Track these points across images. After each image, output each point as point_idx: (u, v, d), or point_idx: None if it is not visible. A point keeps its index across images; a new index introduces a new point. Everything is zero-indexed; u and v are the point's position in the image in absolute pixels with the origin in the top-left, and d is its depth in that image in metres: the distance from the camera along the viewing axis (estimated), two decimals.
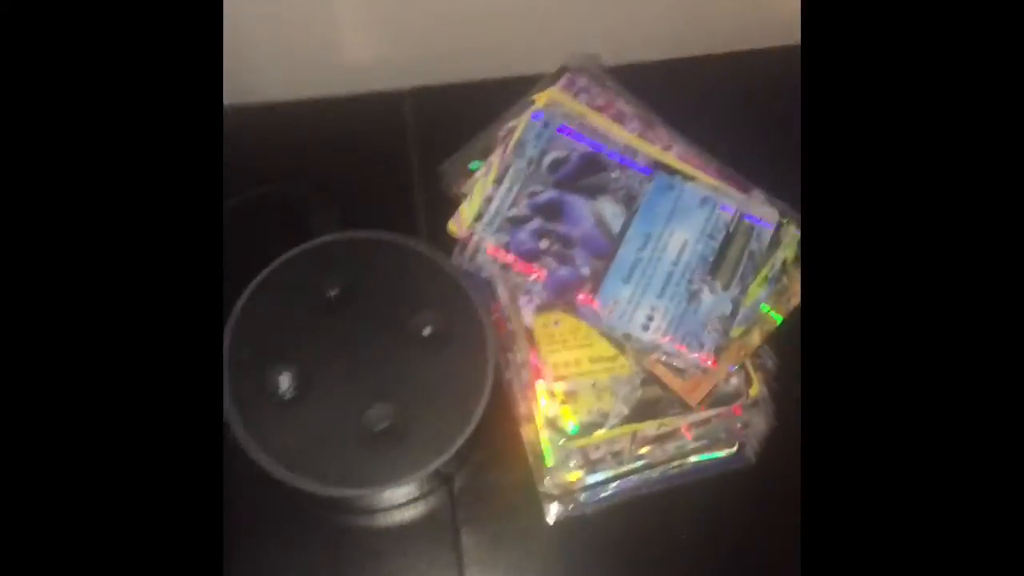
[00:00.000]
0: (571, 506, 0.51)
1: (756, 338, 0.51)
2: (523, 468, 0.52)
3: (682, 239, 0.52)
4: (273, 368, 0.48)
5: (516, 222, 0.52)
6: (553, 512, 0.51)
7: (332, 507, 0.52)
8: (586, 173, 0.53)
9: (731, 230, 0.52)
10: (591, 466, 0.50)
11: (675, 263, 0.51)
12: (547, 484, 0.50)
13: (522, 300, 0.52)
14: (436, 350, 0.49)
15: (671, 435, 0.50)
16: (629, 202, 0.53)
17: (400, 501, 0.52)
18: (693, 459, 0.51)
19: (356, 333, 0.50)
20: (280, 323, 0.50)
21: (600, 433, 0.50)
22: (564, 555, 0.52)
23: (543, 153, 0.53)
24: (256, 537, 0.51)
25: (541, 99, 0.55)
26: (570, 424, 0.50)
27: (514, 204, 0.53)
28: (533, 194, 0.53)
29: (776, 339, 0.52)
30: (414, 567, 0.51)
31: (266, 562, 0.51)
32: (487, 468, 0.53)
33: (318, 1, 0.59)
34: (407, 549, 0.52)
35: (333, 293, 0.50)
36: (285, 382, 0.48)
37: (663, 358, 0.50)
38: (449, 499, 0.53)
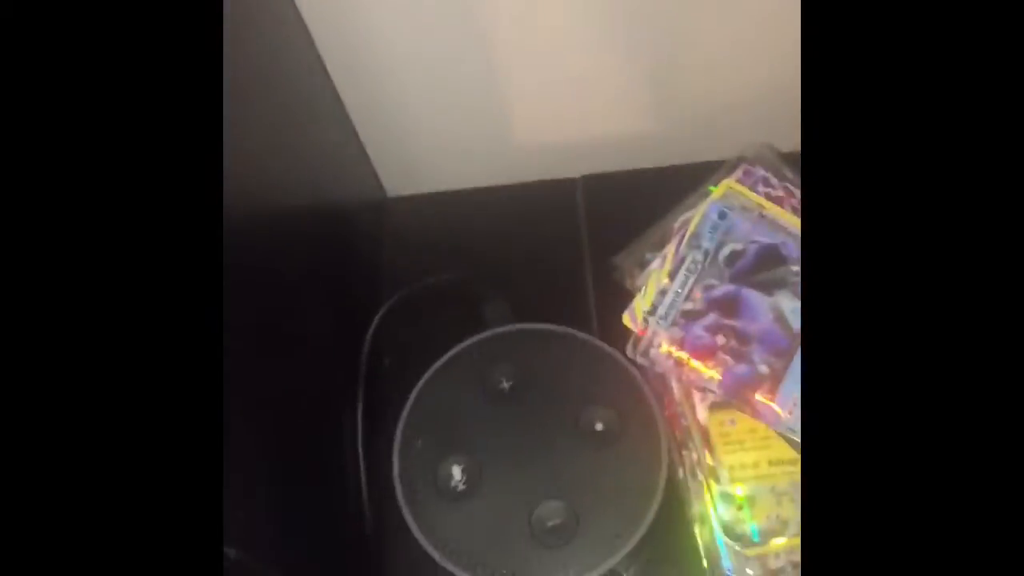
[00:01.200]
0: None
1: None
2: (696, 571, 0.50)
3: None
4: (445, 460, 0.49)
5: (691, 316, 0.51)
6: None
7: None
8: (764, 267, 0.52)
9: None
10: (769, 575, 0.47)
11: None
12: None
13: (696, 397, 0.51)
14: (608, 446, 0.49)
15: None
16: None
17: None
18: None
19: (528, 427, 0.50)
20: (453, 414, 0.50)
21: (780, 542, 0.47)
22: None
23: (720, 245, 0.52)
24: None
25: (718, 190, 0.54)
26: (749, 530, 0.48)
27: (689, 298, 0.52)
28: (709, 288, 0.52)
29: None
30: None
31: None
32: (658, 568, 0.51)
33: (489, 89, 0.60)
34: None
35: (505, 385, 0.51)
36: (457, 474, 0.49)
37: None
38: None
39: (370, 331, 0.57)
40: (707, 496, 0.49)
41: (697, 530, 0.50)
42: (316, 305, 0.53)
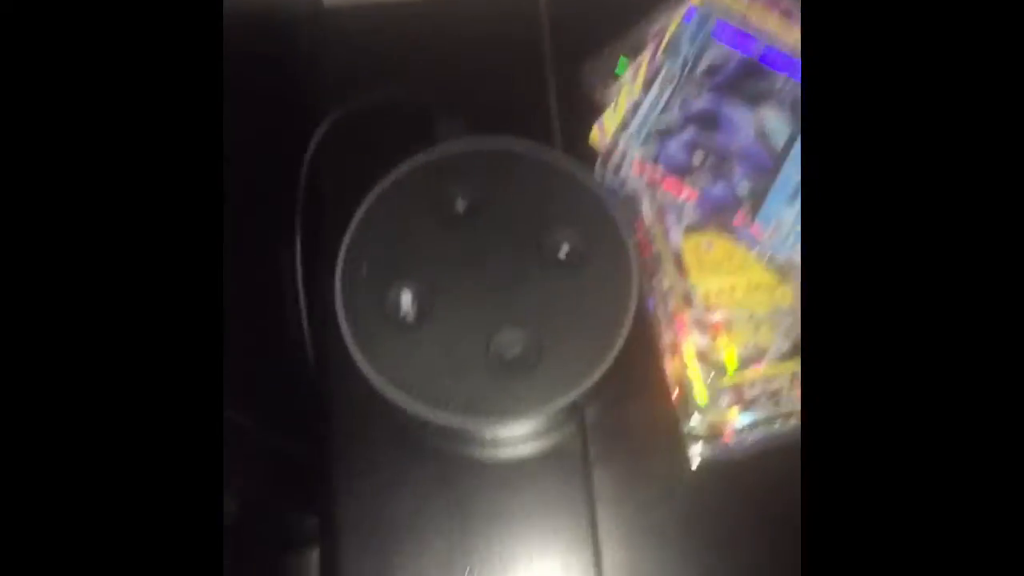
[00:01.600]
0: (718, 449, 0.46)
1: None
2: (666, 405, 0.47)
3: None
4: (394, 286, 0.44)
5: (666, 133, 0.46)
6: (697, 454, 0.46)
7: (453, 437, 0.48)
8: (747, 78, 0.47)
9: None
10: (745, 406, 0.44)
11: None
12: (694, 423, 0.45)
13: (670, 220, 0.47)
14: (573, 272, 0.44)
15: None
16: (796, 112, 0.46)
17: (528, 434, 0.48)
18: None
19: (485, 251, 0.45)
20: (401, 238, 0.46)
21: (757, 370, 0.44)
22: (707, 501, 0.47)
23: (699, 55, 0.47)
24: (369, 463, 0.47)
25: None
26: (721, 359, 0.44)
27: (664, 112, 0.47)
28: (686, 101, 0.47)
29: None
30: (540, 503, 0.47)
31: (378, 488, 0.47)
32: (625, 403, 0.48)
33: None
34: (533, 484, 0.48)
35: (460, 207, 0.46)
36: (406, 302, 0.44)
37: None
38: (581, 433, 0.48)
39: (308, 154, 0.52)
40: (679, 324, 0.45)
41: (668, 361, 0.47)
42: (247, 127, 0.47)
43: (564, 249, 0.45)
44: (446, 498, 0.48)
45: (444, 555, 0.47)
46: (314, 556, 0.54)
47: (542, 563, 0.46)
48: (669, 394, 0.46)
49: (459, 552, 0.47)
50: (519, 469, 0.48)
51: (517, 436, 0.48)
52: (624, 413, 0.48)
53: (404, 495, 0.48)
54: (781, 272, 0.45)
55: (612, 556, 0.47)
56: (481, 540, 0.47)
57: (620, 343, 0.43)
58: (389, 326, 0.44)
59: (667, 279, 0.46)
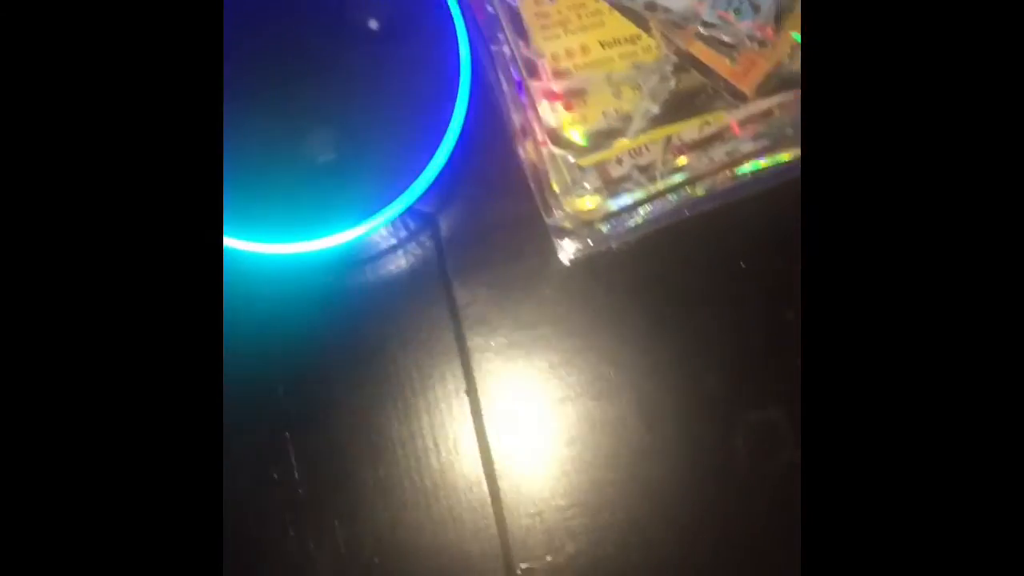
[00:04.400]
0: (590, 240, 0.39)
1: None
2: (525, 199, 0.40)
3: None
4: None
5: None
6: (567, 250, 0.40)
7: (277, 266, 0.41)
8: None
9: None
10: (613, 187, 0.37)
11: None
12: (556, 216, 0.38)
13: None
14: (388, 49, 0.36)
15: (719, 136, 0.37)
16: None
17: (369, 255, 0.41)
18: (749, 166, 0.38)
19: (276, 38, 0.36)
20: None
21: (622, 142, 0.37)
22: (584, 301, 0.41)
23: None
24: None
25: None
26: (578, 134, 0.37)
27: None
28: None
29: None
30: (397, 331, 0.41)
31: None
32: (478, 202, 0.41)
33: None
34: (385, 310, 0.41)
35: None
36: None
37: (703, 31, 0.36)
38: (435, 246, 0.41)
39: None
40: (525, 100, 0.37)
41: (520, 147, 0.39)
42: None
43: (374, 21, 0.36)
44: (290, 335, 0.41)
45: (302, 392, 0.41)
46: None
47: (415, 383, 0.41)
48: (528, 186, 0.39)
49: (309, 394, 0.41)
50: (368, 294, 0.41)
51: (355, 258, 0.41)
52: (480, 216, 0.41)
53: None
54: (641, 19, 0.37)
55: (486, 376, 0.41)
56: (338, 375, 0.41)
57: (455, 130, 0.36)
58: None
59: (506, 46, 0.38)
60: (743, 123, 0.37)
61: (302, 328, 0.41)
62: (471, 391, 0.41)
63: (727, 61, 0.37)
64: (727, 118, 0.37)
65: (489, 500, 0.41)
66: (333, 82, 0.36)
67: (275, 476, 0.40)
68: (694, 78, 0.37)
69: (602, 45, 0.37)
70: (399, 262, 0.41)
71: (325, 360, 0.41)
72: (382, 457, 0.41)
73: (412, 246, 0.41)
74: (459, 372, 0.41)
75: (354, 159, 0.36)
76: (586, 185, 0.37)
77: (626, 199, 0.38)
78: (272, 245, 0.36)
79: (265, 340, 0.41)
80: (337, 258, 0.40)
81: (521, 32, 0.38)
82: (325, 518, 0.40)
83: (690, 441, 0.41)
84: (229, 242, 0.36)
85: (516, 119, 0.39)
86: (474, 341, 0.41)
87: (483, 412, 0.41)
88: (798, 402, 0.40)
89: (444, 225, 0.41)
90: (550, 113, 0.37)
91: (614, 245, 0.40)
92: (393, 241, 0.41)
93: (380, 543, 0.40)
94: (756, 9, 0.36)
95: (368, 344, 0.41)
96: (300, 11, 0.36)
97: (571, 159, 0.37)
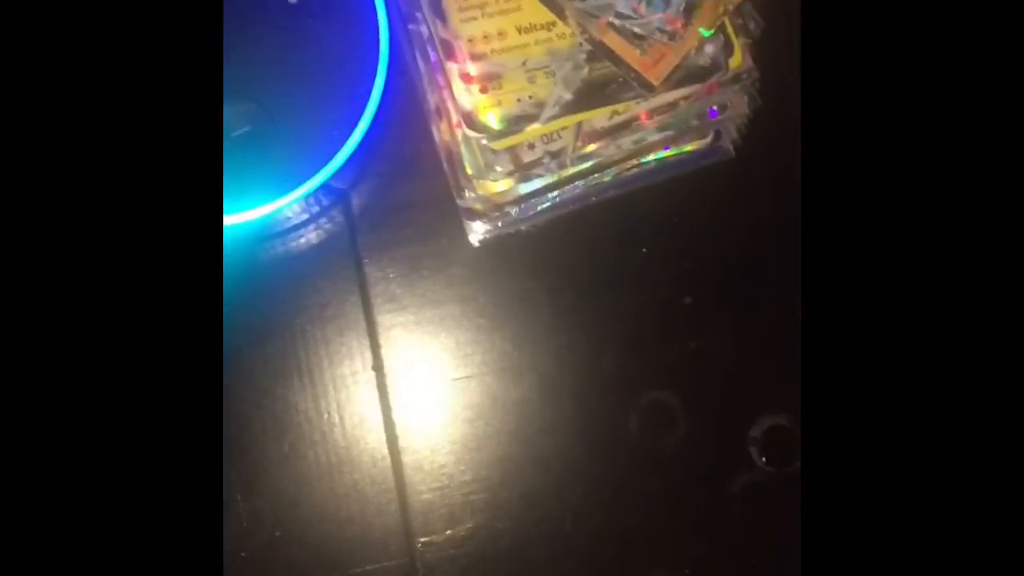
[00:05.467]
0: (500, 223, 0.40)
1: None
2: (438, 179, 0.40)
3: None
4: None
5: None
6: (477, 231, 0.41)
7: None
8: None
9: None
10: (524, 171, 0.38)
11: None
12: (468, 197, 0.39)
13: None
14: (307, 24, 0.36)
15: (627, 125, 0.38)
16: None
17: (279, 229, 0.41)
18: (656, 155, 0.40)
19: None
20: None
21: (534, 128, 0.38)
22: (493, 282, 0.42)
23: None
24: None
25: None
26: (492, 117, 0.37)
27: None
28: None
29: None
30: (305, 308, 0.41)
31: None
32: (391, 180, 0.42)
33: None
34: (294, 286, 0.41)
35: None
36: None
37: (616, 22, 0.37)
38: (346, 222, 0.41)
39: None
40: (441, 81, 0.38)
41: (435, 127, 0.40)
42: None
43: None
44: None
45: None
46: None
47: (323, 359, 0.41)
48: (441, 167, 0.40)
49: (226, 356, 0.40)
50: (281, 271, 0.41)
51: (268, 232, 0.41)
52: (392, 194, 0.42)
53: None
54: (557, 7, 0.38)
55: (394, 353, 0.41)
56: (246, 351, 0.41)
57: (372, 108, 0.36)
58: None
59: (425, 25, 0.38)
60: (651, 113, 0.39)
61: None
62: (378, 367, 0.41)
63: (637, 52, 0.38)
64: (636, 108, 0.38)
65: (392, 475, 0.41)
66: (251, 55, 0.36)
67: None
68: (606, 67, 0.38)
69: (519, 30, 0.38)
70: (310, 237, 0.41)
71: (233, 333, 0.40)
72: (287, 431, 0.41)
73: (323, 221, 0.41)
74: (367, 348, 0.41)
75: (270, 134, 0.35)
76: (498, 168, 0.38)
77: (536, 183, 0.39)
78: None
79: None
80: (247, 232, 0.40)
81: (439, 13, 0.38)
82: (227, 490, 0.40)
83: (587, 419, 0.42)
84: None
85: (432, 99, 0.39)
86: (382, 318, 0.41)
87: (389, 388, 0.41)
88: (692, 384, 0.42)
89: (356, 202, 0.41)
90: (466, 96, 0.37)
91: (523, 228, 0.41)
92: (304, 216, 0.41)
93: (282, 517, 0.40)
94: (667, 2, 0.37)
95: (277, 318, 0.41)
96: None
97: (484, 142, 0.37)
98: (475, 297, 0.42)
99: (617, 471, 0.42)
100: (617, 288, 0.42)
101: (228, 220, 0.36)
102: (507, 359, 0.42)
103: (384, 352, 0.41)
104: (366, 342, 0.41)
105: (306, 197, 0.37)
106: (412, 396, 0.41)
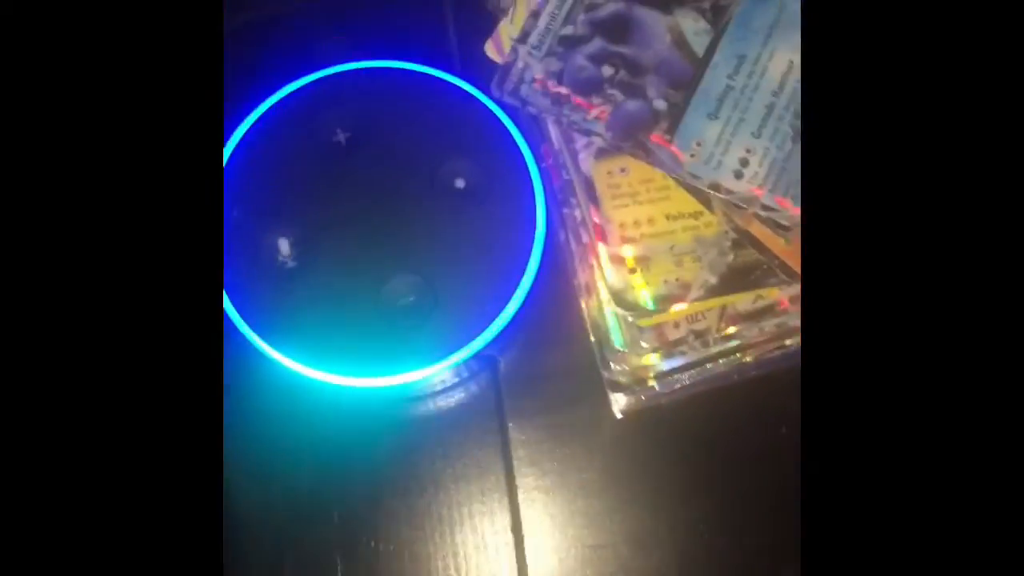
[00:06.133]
0: (643, 396, 0.42)
1: None
2: (584, 350, 0.42)
3: (786, 61, 0.40)
4: (269, 232, 0.39)
5: (571, 43, 0.41)
6: (620, 403, 0.42)
7: (344, 396, 0.43)
8: None
9: None
10: (668, 348, 0.40)
11: (776, 92, 0.40)
12: (613, 370, 0.41)
13: (579, 143, 0.41)
14: (472, 206, 0.39)
15: (769, 310, 0.40)
16: (717, 16, 0.41)
17: (430, 391, 0.43)
18: (797, 339, 0.41)
19: (371, 188, 0.40)
20: (276, 177, 0.40)
21: (680, 308, 0.39)
22: (632, 453, 0.43)
23: None
24: (261, 423, 0.43)
25: None
26: (643, 296, 0.39)
27: (568, 21, 0.41)
28: (592, 7, 0.41)
29: None
30: (450, 466, 0.43)
31: (264, 448, 0.43)
32: (539, 350, 0.44)
33: None
34: (441, 445, 0.43)
35: (341, 138, 0.40)
36: (285, 248, 0.39)
37: (761, 213, 0.39)
38: (493, 387, 0.44)
39: None
40: (592, 260, 0.40)
41: (583, 303, 0.42)
42: None
43: (460, 181, 0.39)
44: (349, 461, 0.43)
45: (355, 518, 0.43)
46: None
47: (464, 519, 0.42)
48: (587, 340, 0.42)
49: (361, 520, 0.42)
50: (426, 429, 0.43)
51: (418, 394, 0.43)
52: (540, 362, 0.44)
53: (300, 456, 0.43)
54: (704, 198, 0.40)
55: (533, 517, 0.42)
56: (391, 504, 0.43)
57: (527, 283, 0.39)
58: (266, 279, 0.39)
59: (578, 211, 0.41)
60: (793, 299, 0.40)
61: (362, 458, 0.43)
62: (516, 529, 0.42)
63: (782, 241, 0.39)
64: (779, 294, 0.40)
65: None
66: (418, 232, 0.39)
67: None
68: (750, 254, 0.40)
69: (667, 218, 0.40)
70: (458, 399, 0.44)
71: (379, 490, 0.43)
72: None
73: (472, 385, 0.44)
74: (507, 510, 0.42)
75: (431, 304, 0.38)
76: (644, 344, 0.39)
77: (679, 360, 0.40)
78: (346, 378, 0.38)
79: (326, 466, 0.43)
80: (401, 392, 0.42)
81: (593, 199, 0.41)
82: None
83: None
84: (309, 372, 0.38)
85: (582, 278, 0.41)
86: (523, 480, 0.43)
87: (526, 551, 0.42)
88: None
89: (504, 368, 0.44)
90: (616, 275, 0.40)
91: (664, 402, 0.42)
92: (455, 379, 0.43)
93: None
94: None
95: (421, 475, 0.43)
96: (398, 167, 0.39)
97: (632, 319, 0.39)
98: (615, 466, 0.43)
99: None
100: (756, 465, 0.43)
101: (387, 381, 0.38)
102: (643, 530, 0.42)
103: (523, 515, 0.42)
104: (506, 504, 0.43)
105: (457, 364, 0.40)
106: (548, 561, 0.42)
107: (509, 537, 0.42)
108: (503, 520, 0.42)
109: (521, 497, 0.43)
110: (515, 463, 0.43)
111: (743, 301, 0.40)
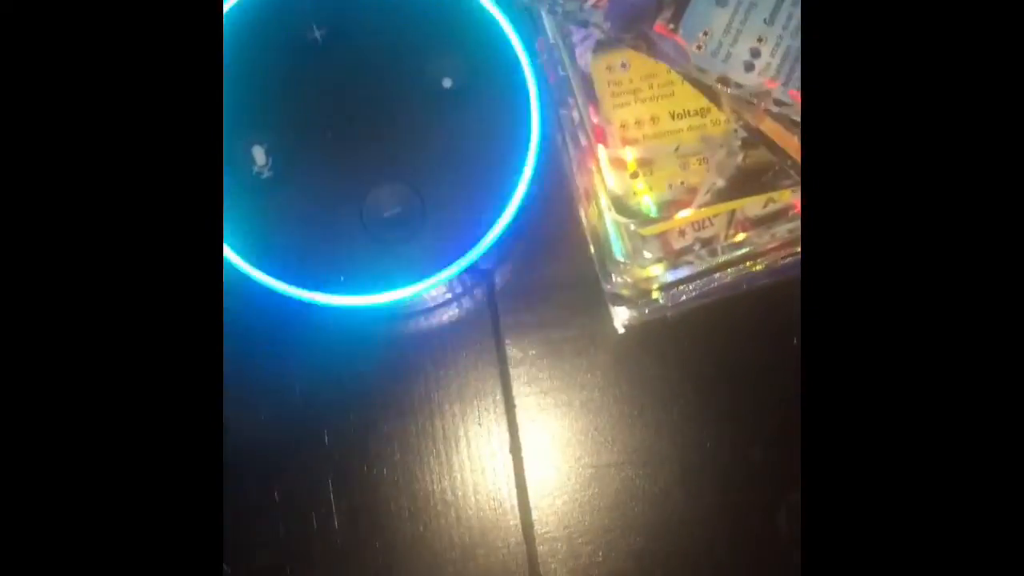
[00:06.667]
0: (647, 309, 0.39)
1: None
2: (583, 262, 0.40)
3: None
4: (242, 141, 0.36)
5: None
6: (622, 317, 0.40)
7: (330, 315, 0.41)
8: None
9: None
10: (674, 258, 0.37)
11: None
12: (615, 282, 0.38)
13: (576, 36, 0.38)
14: (461, 108, 0.36)
15: (782, 214, 0.37)
16: None
17: (422, 308, 0.41)
18: None
19: (351, 88, 0.37)
20: (247, 80, 0.37)
21: (686, 214, 0.37)
22: (635, 369, 0.41)
23: None
24: (246, 344, 0.40)
25: None
26: (645, 203, 0.37)
27: None
28: None
29: None
30: (445, 386, 0.41)
31: (251, 370, 0.40)
32: (536, 262, 0.41)
33: None
34: (434, 365, 0.41)
35: (317, 34, 0.37)
36: (260, 158, 0.36)
37: (773, 109, 0.36)
38: (488, 302, 0.41)
39: None
40: (591, 164, 0.38)
41: (582, 211, 0.40)
42: None
43: (448, 80, 0.37)
44: (339, 383, 0.41)
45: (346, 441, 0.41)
46: None
47: (461, 440, 0.41)
48: (587, 250, 0.39)
49: (353, 443, 0.41)
50: (419, 347, 0.42)
51: (409, 311, 0.41)
52: (537, 276, 0.41)
53: (292, 378, 0.41)
54: (712, 93, 0.37)
55: (532, 437, 0.41)
56: (384, 427, 0.41)
57: (522, 190, 0.36)
58: (241, 190, 0.36)
59: (576, 110, 0.38)
60: None
61: (352, 378, 0.41)
62: (515, 450, 0.41)
63: (796, 139, 0.37)
64: (792, 196, 0.37)
65: (527, 562, 0.40)
66: (403, 137, 0.36)
67: (315, 523, 0.40)
68: (761, 154, 0.37)
69: (672, 116, 0.38)
70: (451, 316, 0.42)
71: (372, 411, 0.41)
72: (422, 513, 0.40)
73: (465, 301, 0.42)
74: (505, 430, 0.41)
75: (419, 215, 0.36)
76: (647, 254, 0.37)
77: (685, 271, 0.38)
78: (331, 296, 0.36)
79: (315, 388, 0.41)
80: (390, 310, 0.40)
81: (592, 97, 0.38)
82: (363, 570, 0.40)
83: (732, 515, 0.41)
84: (291, 291, 0.36)
85: (581, 183, 0.39)
86: (522, 400, 0.41)
87: (526, 473, 0.41)
88: None
89: (500, 282, 0.41)
90: (616, 180, 0.37)
91: (669, 315, 0.40)
92: (448, 295, 0.41)
93: None
94: None
95: (417, 396, 0.41)
96: (380, 65, 0.37)
97: (633, 227, 0.37)
98: (617, 383, 0.41)
99: (763, 571, 0.40)
100: (765, 379, 0.41)
101: (375, 299, 0.36)
102: (648, 449, 0.41)
103: (522, 435, 0.41)
104: (504, 424, 0.41)
105: (449, 278, 0.38)
106: (549, 482, 0.41)
107: (508, 459, 0.41)
108: (501, 441, 0.41)
109: (520, 417, 0.41)
110: (513, 382, 0.41)
111: (753, 205, 0.37)
